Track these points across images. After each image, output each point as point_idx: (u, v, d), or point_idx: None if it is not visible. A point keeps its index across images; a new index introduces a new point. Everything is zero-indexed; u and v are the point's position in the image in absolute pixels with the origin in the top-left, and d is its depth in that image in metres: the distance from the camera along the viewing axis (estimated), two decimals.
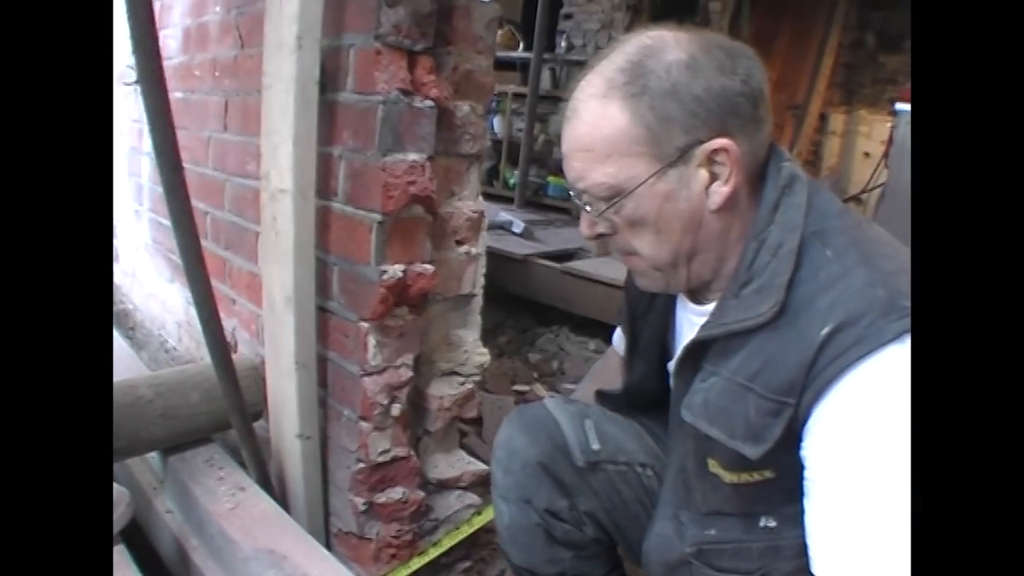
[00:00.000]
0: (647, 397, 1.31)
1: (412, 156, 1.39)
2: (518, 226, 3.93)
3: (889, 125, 4.19)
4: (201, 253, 1.37)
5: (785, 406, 0.91)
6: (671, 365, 1.15)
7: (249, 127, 1.63)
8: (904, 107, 3.81)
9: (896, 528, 0.83)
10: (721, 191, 0.95)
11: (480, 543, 1.87)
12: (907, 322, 0.83)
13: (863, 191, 5.13)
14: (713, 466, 1.05)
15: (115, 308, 3.23)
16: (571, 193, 1.03)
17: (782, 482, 0.99)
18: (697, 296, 1.11)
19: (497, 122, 5.85)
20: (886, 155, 4.30)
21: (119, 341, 2.43)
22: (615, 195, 0.96)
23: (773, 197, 0.97)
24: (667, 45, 0.94)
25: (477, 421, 2.14)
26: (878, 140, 5.16)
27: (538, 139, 5.60)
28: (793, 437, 0.93)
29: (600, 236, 1.04)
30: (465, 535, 1.75)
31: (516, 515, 1.36)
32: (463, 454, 1.79)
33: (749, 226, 0.99)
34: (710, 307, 1.05)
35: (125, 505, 1.41)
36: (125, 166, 2.97)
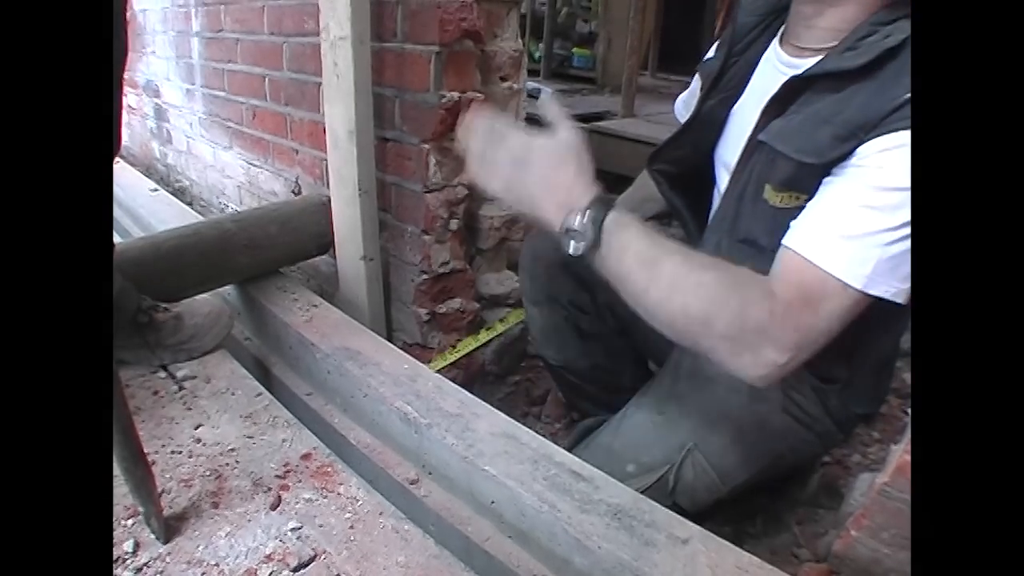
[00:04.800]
0: (700, 145, 1.43)
1: None
2: (546, 92, 4.03)
3: None
4: None
5: (855, 136, 1.05)
6: (760, 103, 1.24)
7: None
8: None
9: (879, 235, 1.00)
10: None
11: (528, 364, 2.08)
12: None
13: None
14: (767, 191, 1.19)
15: (172, 188, 3.40)
16: None
17: None
18: (802, 52, 1.23)
19: None
20: None
21: (183, 208, 2.59)
22: None
23: (897, 9, 1.11)
24: None
25: (513, 267, 2.31)
26: None
27: (561, 12, 5.62)
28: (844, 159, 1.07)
29: None
30: (500, 331, 1.95)
31: (546, 314, 1.57)
32: (511, 274, 2.00)
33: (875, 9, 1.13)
34: (805, 62, 1.18)
35: (228, 316, 1.61)
36: (173, 50, 3.10)
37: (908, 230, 0.99)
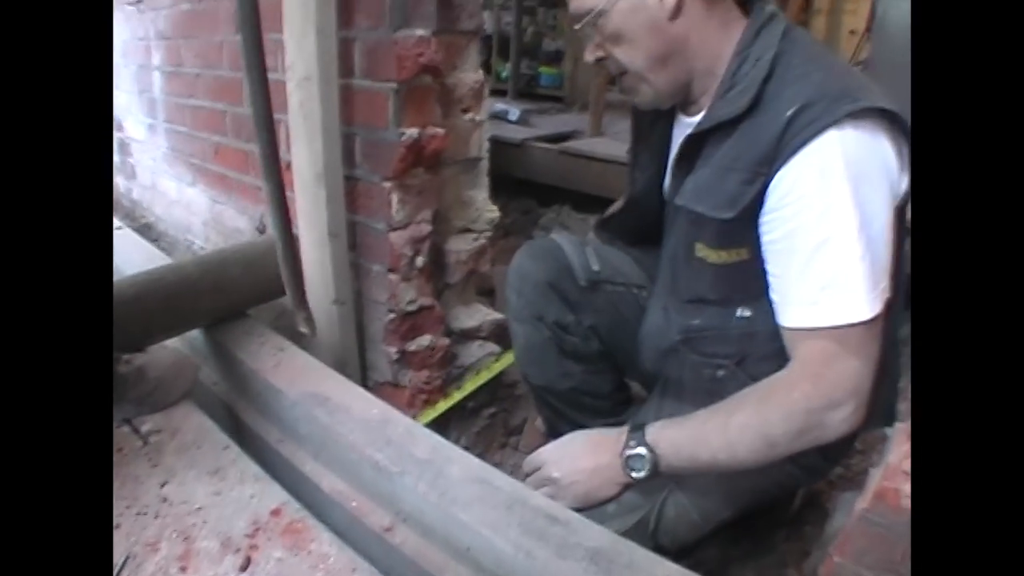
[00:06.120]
0: (645, 213, 1.48)
1: (419, 31, 1.54)
2: (514, 114, 4.03)
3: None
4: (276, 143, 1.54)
5: (759, 175, 1.11)
6: (669, 165, 1.33)
7: (265, 25, 1.74)
8: None
9: (845, 261, 1.06)
10: (669, 1, 1.16)
11: (503, 395, 2.06)
12: (856, 105, 1.04)
13: None
14: (700, 249, 1.24)
15: (137, 223, 3.36)
16: (575, 28, 1.26)
17: (755, 265, 1.18)
18: (690, 110, 1.31)
19: (486, 18, 5.85)
20: (868, 30, 4.33)
21: (148, 247, 2.54)
22: (595, 17, 1.19)
23: (756, 27, 1.18)
24: None
25: (490, 292, 2.32)
26: (863, 17, 5.11)
27: (527, 31, 5.62)
28: (761, 206, 1.13)
29: (599, 60, 1.27)
30: (485, 379, 1.93)
31: (530, 333, 1.56)
32: (481, 306, 1.98)
33: (715, 41, 1.20)
34: (698, 117, 1.24)
35: (192, 366, 1.57)
36: (135, 84, 3.06)
37: (861, 223, 1.06)
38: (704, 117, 1.21)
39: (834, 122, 1.04)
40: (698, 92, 1.27)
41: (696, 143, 1.22)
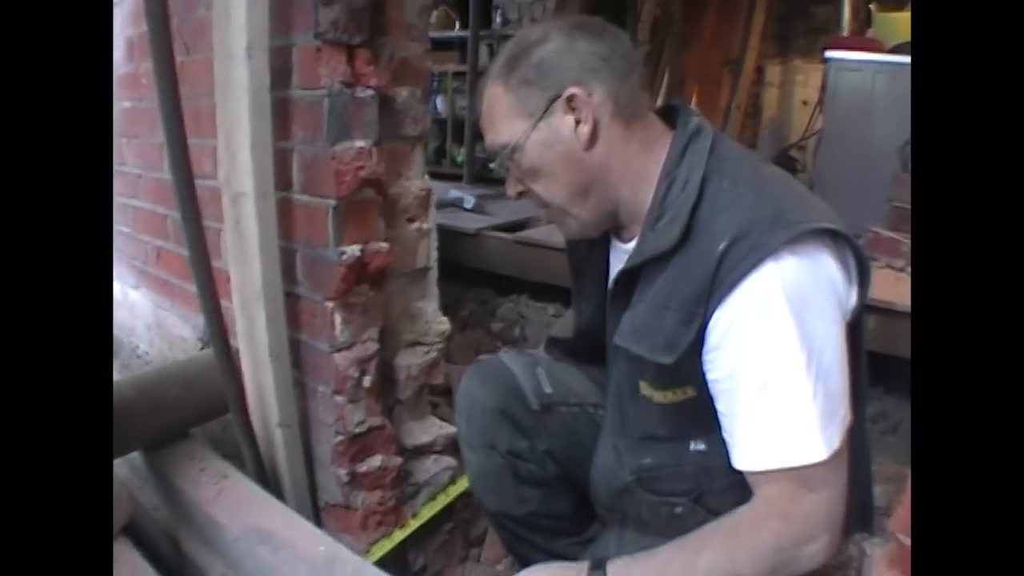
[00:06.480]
0: (596, 341, 1.41)
1: (359, 143, 1.48)
2: (469, 201, 3.98)
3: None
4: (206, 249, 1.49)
5: (695, 315, 1.05)
6: (607, 299, 1.27)
7: (202, 130, 1.69)
8: (834, 55, 3.86)
9: (793, 402, 1.01)
10: (583, 130, 1.12)
11: (462, 505, 1.96)
12: (791, 232, 0.99)
13: (803, 138, 5.26)
14: (644, 388, 1.18)
15: None
16: (492, 166, 1.23)
17: (703, 402, 1.12)
18: (623, 236, 1.26)
19: (440, 102, 5.87)
20: (820, 102, 4.41)
21: None
22: (510, 152, 1.15)
23: (681, 144, 1.13)
24: (539, 33, 1.16)
25: (447, 392, 2.24)
26: (814, 88, 5.24)
27: None
28: (703, 343, 1.07)
29: (520, 194, 1.23)
30: (442, 505, 1.84)
31: (483, 461, 1.49)
32: (435, 420, 1.88)
33: (638, 165, 1.17)
34: (631, 244, 1.19)
35: (125, 499, 1.44)
36: None
37: (808, 357, 1.01)
38: (634, 251, 1.16)
39: (770, 253, 1.00)
40: (627, 219, 1.23)
41: (630, 277, 1.17)
